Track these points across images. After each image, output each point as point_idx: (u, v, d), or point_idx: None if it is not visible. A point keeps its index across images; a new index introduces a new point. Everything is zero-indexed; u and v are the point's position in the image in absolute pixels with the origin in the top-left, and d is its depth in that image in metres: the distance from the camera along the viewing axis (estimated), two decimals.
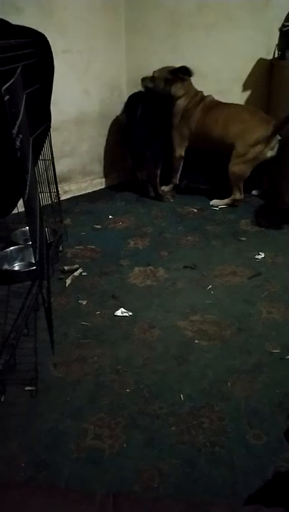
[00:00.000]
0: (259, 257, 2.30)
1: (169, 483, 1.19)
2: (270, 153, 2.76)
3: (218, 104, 2.86)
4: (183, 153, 2.99)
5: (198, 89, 2.89)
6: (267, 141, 2.70)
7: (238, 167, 2.78)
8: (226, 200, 2.89)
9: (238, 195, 2.86)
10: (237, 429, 1.34)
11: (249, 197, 3.01)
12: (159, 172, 2.93)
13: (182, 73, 2.72)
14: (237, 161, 2.76)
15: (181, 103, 2.83)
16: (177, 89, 2.79)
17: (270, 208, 2.91)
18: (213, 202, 2.92)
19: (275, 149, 2.76)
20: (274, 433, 1.32)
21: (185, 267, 2.22)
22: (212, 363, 1.60)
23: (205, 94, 2.88)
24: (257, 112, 2.81)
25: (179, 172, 3.09)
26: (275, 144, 2.74)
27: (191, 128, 2.87)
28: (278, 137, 2.72)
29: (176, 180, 3.13)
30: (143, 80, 2.82)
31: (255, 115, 2.77)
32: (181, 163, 3.05)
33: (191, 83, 2.81)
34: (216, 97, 2.96)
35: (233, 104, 2.91)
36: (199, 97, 2.85)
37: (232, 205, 2.90)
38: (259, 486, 1.16)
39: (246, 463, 1.24)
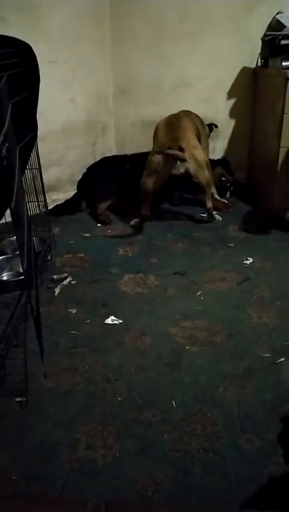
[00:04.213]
0: (248, 262, 2.31)
1: (163, 491, 1.18)
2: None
3: None
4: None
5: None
6: (197, 134, 2.69)
7: (202, 175, 2.60)
8: (208, 216, 2.79)
9: (209, 204, 2.73)
10: (230, 435, 1.33)
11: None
12: (102, 205, 2.96)
13: None
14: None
15: None
16: None
17: (258, 213, 2.93)
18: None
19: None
20: (267, 437, 1.32)
21: (175, 273, 2.22)
22: (204, 369, 1.59)
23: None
24: (169, 119, 2.70)
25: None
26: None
27: None
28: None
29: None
30: None
31: (169, 125, 2.63)
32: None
33: None
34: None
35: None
36: None
37: (216, 210, 2.84)
38: (254, 491, 1.15)
39: (240, 468, 1.23)
